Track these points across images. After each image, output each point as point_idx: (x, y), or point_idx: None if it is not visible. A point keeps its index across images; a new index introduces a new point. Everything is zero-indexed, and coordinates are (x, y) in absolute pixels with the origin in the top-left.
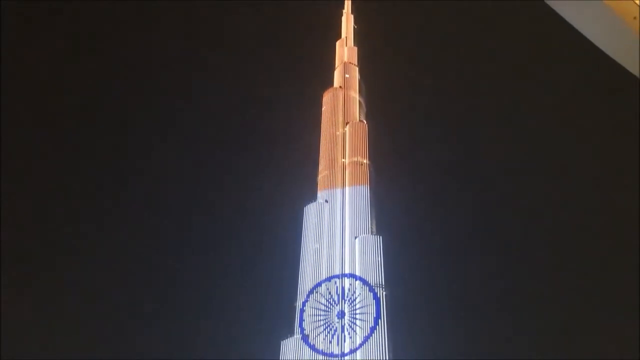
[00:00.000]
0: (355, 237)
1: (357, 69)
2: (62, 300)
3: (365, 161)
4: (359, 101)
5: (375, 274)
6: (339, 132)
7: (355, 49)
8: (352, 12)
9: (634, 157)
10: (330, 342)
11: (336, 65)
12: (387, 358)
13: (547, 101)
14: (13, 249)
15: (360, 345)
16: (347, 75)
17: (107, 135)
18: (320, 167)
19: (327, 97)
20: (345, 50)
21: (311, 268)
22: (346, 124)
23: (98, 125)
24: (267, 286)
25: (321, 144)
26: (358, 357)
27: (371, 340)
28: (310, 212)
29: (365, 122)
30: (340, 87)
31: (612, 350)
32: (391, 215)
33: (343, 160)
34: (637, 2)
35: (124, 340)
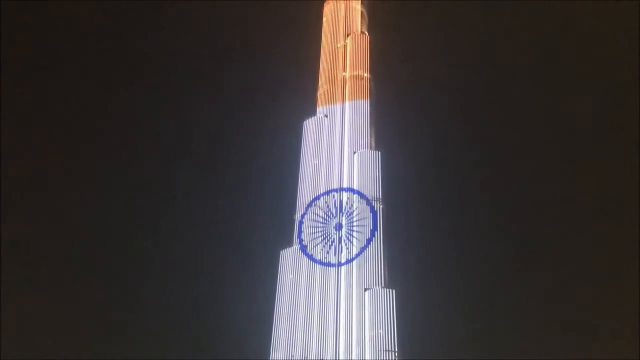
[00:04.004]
0: (354, 152)
1: None
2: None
3: (366, 75)
4: (361, 12)
5: (373, 188)
6: (340, 45)
7: None
8: None
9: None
10: (328, 252)
11: None
12: (382, 268)
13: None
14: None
15: (357, 255)
16: None
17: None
18: (320, 82)
19: (327, 8)
20: None
21: (310, 182)
22: (347, 36)
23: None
24: (268, 199)
25: (321, 56)
26: (354, 267)
27: (367, 251)
28: (310, 126)
29: (367, 34)
30: None
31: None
32: (390, 130)
33: (343, 74)
34: None
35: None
